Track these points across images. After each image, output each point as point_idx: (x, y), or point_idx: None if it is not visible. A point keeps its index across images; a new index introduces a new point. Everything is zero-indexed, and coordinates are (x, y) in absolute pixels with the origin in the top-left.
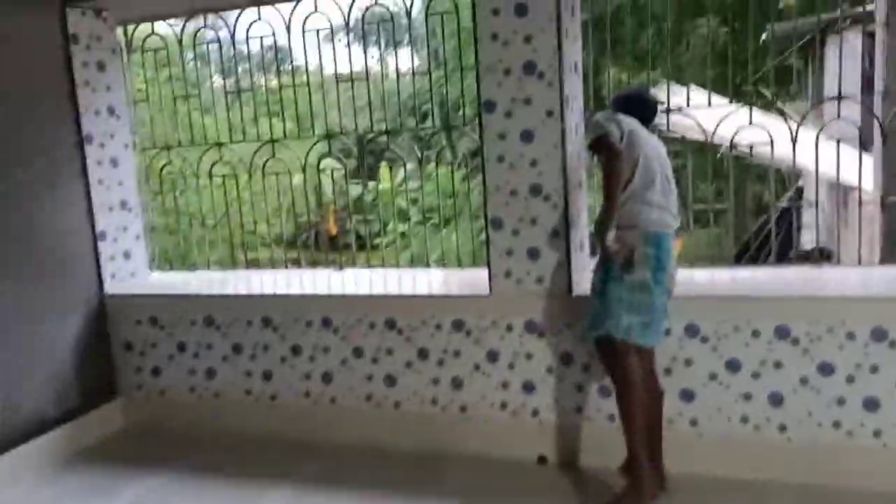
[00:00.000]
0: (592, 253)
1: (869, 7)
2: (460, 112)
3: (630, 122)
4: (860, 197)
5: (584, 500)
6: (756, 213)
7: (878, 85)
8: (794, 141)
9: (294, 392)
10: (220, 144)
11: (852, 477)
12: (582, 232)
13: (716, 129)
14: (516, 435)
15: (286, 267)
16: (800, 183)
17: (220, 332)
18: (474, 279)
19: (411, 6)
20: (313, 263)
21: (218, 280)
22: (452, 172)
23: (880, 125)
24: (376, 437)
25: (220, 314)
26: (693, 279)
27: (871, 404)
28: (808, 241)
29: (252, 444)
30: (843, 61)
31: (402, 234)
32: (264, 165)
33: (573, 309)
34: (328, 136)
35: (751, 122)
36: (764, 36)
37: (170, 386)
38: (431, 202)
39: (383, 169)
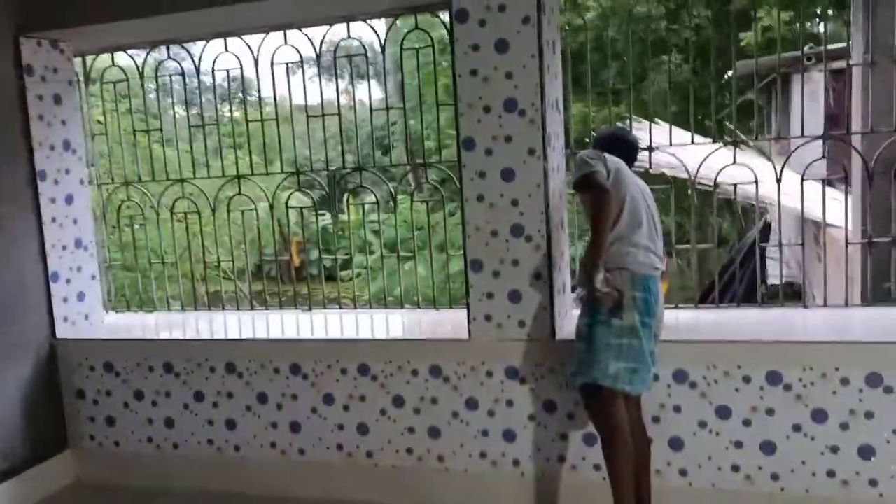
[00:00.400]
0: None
1: (833, 46)
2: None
3: (616, 161)
4: (847, 237)
5: None
6: (717, 246)
7: (857, 125)
8: (779, 180)
9: (260, 442)
10: (182, 180)
11: None
12: (564, 274)
13: (699, 168)
14: (496, 486)
15: (251, 303)
16: (767, 218)
17: (181, 379)
18: (452, 322)
19: (385, 40)
20: (276, 295)
21: (178, 322)
22: (428, 208)
23: (866, 165)
24: (348, 489)
25: (181, 360)
26: (678, 321)
27: (867, 452)
28: (773, 275)
29: (214, 499)
30: (820, 98)
31: (368, 267)
32: (229, 202)
33: (556, 354)
34: (298, 172)
35: (735, 161)
36: (730, 73)
37: (125, 437)
38: (400, 234)
39: (348, 200)
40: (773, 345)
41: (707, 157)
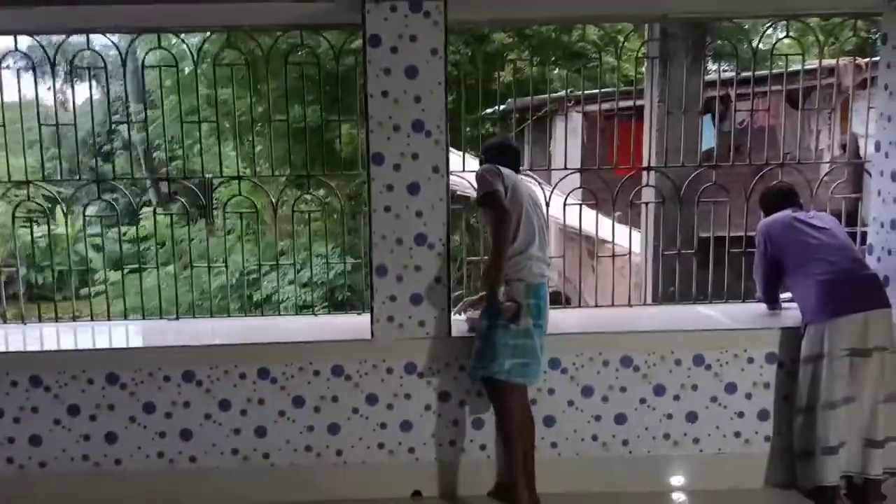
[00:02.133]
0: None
1: (591, 91)
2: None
3: (511, 176)
4: (628, 249)
5: None
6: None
7: (652, 160)
8: (615, 203)
9: (145, 454)
10: None
11: (632, 483)
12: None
13: (553, 189)
14: (393, 474)
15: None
16: None
17: (51, 392)
18: (354, 325)
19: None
20: None
21: (34, 334)
22: (172, 221)
23: (678, 192)
24: (246, 494)
25: (51, 373)
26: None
27: (692, 417)
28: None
29: None
30: (579, 135)
31: (84, 281)
32: None
33: (452, 349)
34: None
35: (577, 190)
36: (501, 107)
37: None
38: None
39: (59, 211)
40: (624, 335)
41: (560, 180)
